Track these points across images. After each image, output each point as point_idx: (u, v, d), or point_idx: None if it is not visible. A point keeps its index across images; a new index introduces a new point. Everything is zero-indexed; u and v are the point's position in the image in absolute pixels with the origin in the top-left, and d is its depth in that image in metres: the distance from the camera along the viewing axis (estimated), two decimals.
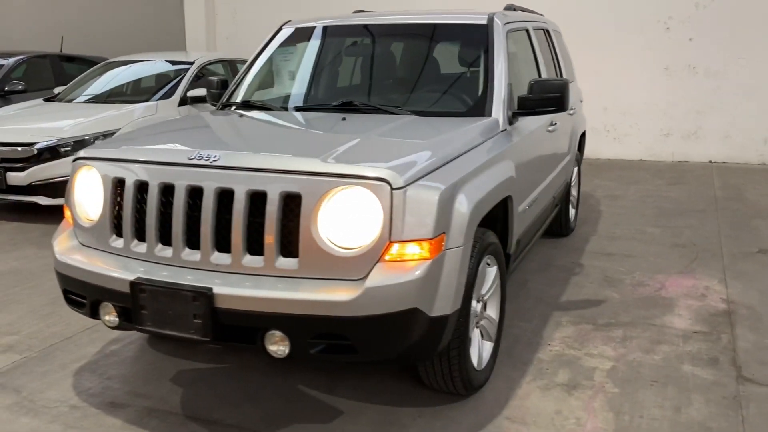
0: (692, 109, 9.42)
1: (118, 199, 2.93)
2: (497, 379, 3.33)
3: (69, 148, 6.22)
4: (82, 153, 3.10)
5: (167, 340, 3.75)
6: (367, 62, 4.06)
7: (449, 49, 3.97)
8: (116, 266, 2.83)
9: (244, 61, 8.77)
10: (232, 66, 8.47)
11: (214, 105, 4.39)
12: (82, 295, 2.98)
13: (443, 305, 2.64)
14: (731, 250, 5.40)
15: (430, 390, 3.20)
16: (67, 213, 3.17)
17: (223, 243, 2.71)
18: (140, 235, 2.88)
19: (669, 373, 3.41)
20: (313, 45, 4.30)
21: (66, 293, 3.06)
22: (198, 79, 7.64)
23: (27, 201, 6.35)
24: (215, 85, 4.35)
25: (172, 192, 2.78)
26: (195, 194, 2.73)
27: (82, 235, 3.07)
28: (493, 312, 3.27)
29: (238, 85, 4.25)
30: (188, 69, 7.74)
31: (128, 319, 2.84)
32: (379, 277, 2.50)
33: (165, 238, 2.82)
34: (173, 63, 8.05)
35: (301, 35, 4.34)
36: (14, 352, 3.73)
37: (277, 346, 2.60)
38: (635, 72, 9.53)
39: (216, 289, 2.57)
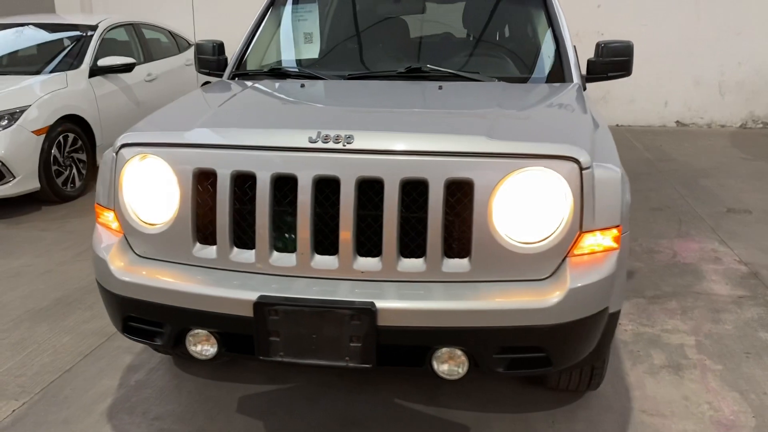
0: None
1: (206, 196, 2.27)
2: None
3: None
4: (131, 138, 2.38)
5: (194, 360, 3.10)
6: (416, 23, 3.56)
7: (506, 10, 3.57)
8: (220, 283, 2.20)
9: (151, 26, 7.74)
10: (137, 31, 7.41)
11: (207, 73, 3.69)
12: (158, 322, 2.31)
13: (618, 299, 2.32)
14: (704, 211, 5.55)
15: (533, 389, 2.89)
16: (108, 217, 2.45)
17: (366, 245, 2.18)
18: (240, 241, 2.26)
19: (753, 343, 3.36)
20: (341, 2, 3.70)
21: (128, 321, 2.36)
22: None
23: None
24: (210, 51, 3.65)
25: (288, 185, 2.19)
26: (324, 186, 2.17)
27: (141, 244, 2.37)
28: None
29: (245, 50, 3.57)
30: (91, 35, 6.63)
31: (235, 348, 2.24)
32: (578, 276, 2.11)
33: (282, 244, 2.23)
34: (67, 27, 6.88)
35: None
36: (6, 398, 2.90)
37: (450, 365, 2.14)
38: None
39: (380, 304, 2.05)
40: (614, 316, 2.31)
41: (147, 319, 2.32)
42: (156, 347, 2.37)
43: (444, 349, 2.11)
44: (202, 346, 2.27)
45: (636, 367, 3.12)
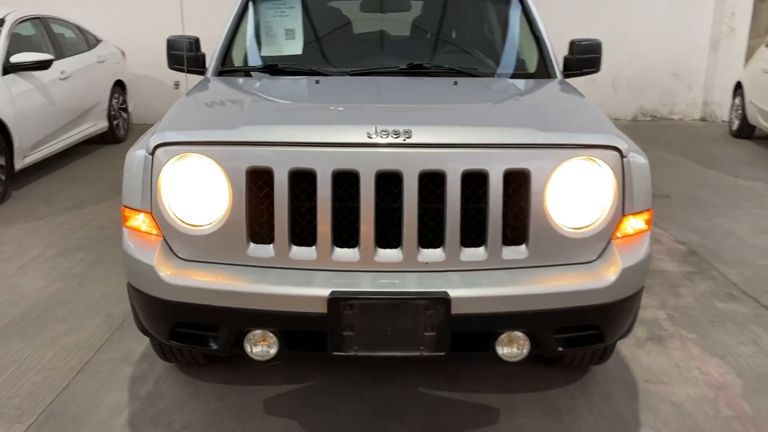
0: None
1: (260, 194, 2.22)
2: None
3: None
4: (169, 137, 2.28)
5: (196, 366, 3.02)
6: (398, 21, 3.60)
7: (490, 10, 3.70)
8: (283, 282, 2.17)
9: (59, 20, 7.25)
10: (46, 25, 6.91)
11: (182, 70, 3.56)
12: (213, 325, 2.24)
13: (645, 277, 2.52)
14: None
15: (543, 369, 3.06)
16: (140, 220, 2.33)
17: (428, 237, 2.23)
18: (299, 238, 2.24)
19: (714, 312, 3.72)
20: (320, 0, 3.69)
21: (178, 327, 2.27)
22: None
23: None
24: (186, 47, 3.53)
25: (349, 180, 2.20)
26: (385, 180, 2.20)
27: (186, 247, 2.28)
28: None
29: (228, 47, 3.49)
30: None
31: (298, 347, 2.22)
32: (626, 257, 2.28)
33: (343, 239, 2.23)
34: None
35: None
36: (7, 421, 2.68)
37: (513, 348, 2.24)
38: None
39: (453, 293, 2.12)
40: (641, 293, 2.50)
41: (201, 324, 2.24)
42: (210, 352, 2.28)
43: (508, 333, 2.21)
44: (262, 347, 2.23)
45: (625, 342, 3.37)
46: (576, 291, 2.21)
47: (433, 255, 2.23)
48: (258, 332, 2.20)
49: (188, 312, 2.22)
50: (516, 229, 2.27)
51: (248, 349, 2.23)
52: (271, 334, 2.20)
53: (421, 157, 2.18)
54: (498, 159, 2.20)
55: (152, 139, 2.30)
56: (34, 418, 2.70)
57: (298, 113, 2.65)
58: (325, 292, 2.11)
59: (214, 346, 2.26)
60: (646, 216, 2.39)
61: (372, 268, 2.22)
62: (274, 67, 3.29)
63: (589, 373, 3.07)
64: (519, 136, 2.25)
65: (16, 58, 5.93)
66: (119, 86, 8.27)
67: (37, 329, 3.45)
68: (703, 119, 10.50)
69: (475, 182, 2.21)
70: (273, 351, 2.23)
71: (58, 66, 6.62)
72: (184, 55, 3.52)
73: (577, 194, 2.27)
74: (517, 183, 2.23)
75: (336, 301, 2.09)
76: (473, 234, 2.24)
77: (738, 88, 8.88)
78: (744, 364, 3.17)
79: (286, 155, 2.19)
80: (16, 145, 5.81)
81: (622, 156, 2.29)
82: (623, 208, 2.31)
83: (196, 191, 2.26)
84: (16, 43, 6.22)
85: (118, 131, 8.20)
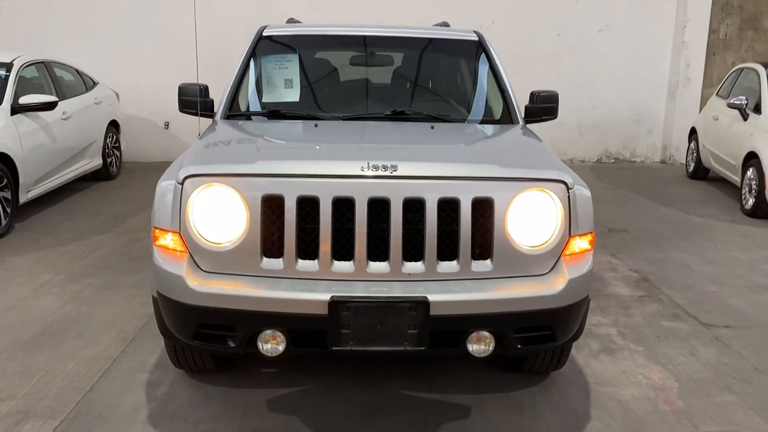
0: None
1: (272, 217, 2.69)
2: None
3: None
4: (197, 170, 2.75)
5: (204, 372, 3.43)
6: (382, 73, 4.15)
7: (450, 62, 4.27)
8: (291, 289, 2.63)
9: (60, 64, 7.73)
10: (49, 68, 7.38)
11: (194, 114, 4.04)
12: (231, 326, 2.68)
13: (588, 287, 3.01)
14: None
15: (509, 375, 3.51)
16: (168, 238, 2.77)
17: (410, 252, 2.71)
18: (304, 253, 2.70)
19: (659, 329, 4.22)
20: (313, 54, 4.22)
21: (201, 329, 2.70)
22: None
23: None
24: (196, 93, 4.02)
25: (345, 205, 2.68)
26: (375, 206, 2.68)
27: (208, 261, 2.73)
28: None
29: (234, 95, 3.99)
30: (6, 73, 6.57)
31: (302, 344, 2.67)
32: (572, 270, 2.78)
33: (340, 254, 2.70)
34: None
35: (290, 42, 4.22)
36: (42, 418, 3.06)
37: (480, 345, 2.71)
38: None
39: (431, 297, 2.59)
40: (588, 302, 3.00)
41: (221, 325, 2.68)
42: (227, 350, 2.71)
43: (476, 332, 2.68)
44: (271, 344, 2.67)
45: (580, 353, 3.84)
46: (531, 297, 2.69)
47: (414, 267, 2.71)
48: (269, 331, 2.64)
49: (211, 315, 2.66)
50: (482, 247, 2.76)
51: (260, 346, 2.67)
52: (280, 333, 2.65)
53: (404, 186, 2.68)
54: (467, 189, 2.71)
55: (181, 171, 2.76)
56: (65, 415, 3.08)
57: (303, 151, 3.15)
58: (326, 296, 2.57)
59: (232, 345, 2.69)
60: (589, 237, 2.90)
61: (364, 278, 2.69)
62: (276, 113, 3.79)
63: (548, 378, 3.53)
64: (484, 171, 2.77)
65: (24, 100, 6.37)
66: (113, 126, 8.71)
67: (57, 343, 3.83)
68: (662, 162, 11.20)
69: (448, 208, 2.71)
70: (281, 348, 2.67)
71: (60, 107, 7.06)
72: (193, 100, 4.01)
73: (532, 219, 2.78)
74: (483, 209, 2.73)
75: (335, 303, 2.55)
76: (447, 250, 2.73)
77: (693, 133, 9.60)
78: (681, 371, 3.66)
79: (294, 185, 2.68)
80: (22, 180, 6.22)
81: (568, 188, 2.80)
82: (570, 230, 2.82)
83: (218, 215, 2.72)
84: (22, 85, 6.68)
85: (111, 169, 8.61)
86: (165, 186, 2.83)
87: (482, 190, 2.72)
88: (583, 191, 2.89)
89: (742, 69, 8.86)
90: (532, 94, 4.11)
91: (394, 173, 2.69)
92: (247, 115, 3.90)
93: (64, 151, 7.15)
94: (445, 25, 5.13)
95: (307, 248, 2.71)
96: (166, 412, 3.13)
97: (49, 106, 6.59)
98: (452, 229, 2.72)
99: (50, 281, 4.85)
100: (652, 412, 3.23)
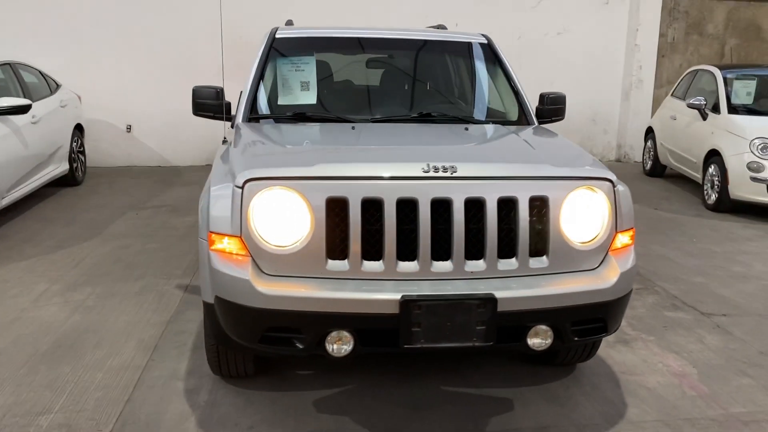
0: None
1: (336, 219, 2.71)
2: None
3: None
4: (257, 173, 2.73)
5: (240, 378, 3.42)
6: (399, 75, 4.20)
7: (465, 64, 4.36)
8: (360, 289, 2.66)
9: (25, 66, 7.43)
10: (15, 71, 7.09)
11: (208, 117, 4.00)
12: (299, 328, 2.68)
13: (633, 281, 3.14)
14: None
15: (541, 368, 3.63)
16: (224, 242, 2.75)
17: (472, 251, 2.78)
18: (368, 254, 2.73)
19: (664, 319, 4.43)
20: (330, 56, 4.23)
21: (268, 332, 2.70)
22: None
23: None
24: (213, 96, 3.98)
25: (408, 206, 2.72)
26: (437, 206, 2.74)
27: (272, 264, 2.72)
28: None
29: (253, 97, 3.96)
30: None
31: (370, 343, 2.70)
32: (621, 264, 2.91)
33: (404, 254, 2.74)
34: None
35: (305, 44, 4.22)
36: (87, 430, 2.98)
37: (539, 339, 2.80)
38: None
39: (497, 294, 2.66)
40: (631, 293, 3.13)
41: (289, 327, 2.68)
42: (293, 352, 2.71)
43: (536, 326, 2.77)
44: (339, 345, 2.69)
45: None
46: (588, 291, 2.80)
47: (476, 265, 2.77)
48: (337, 332, 2.66)
49: (280, 317, 2.65)
50: (538, 244, 2.85)
51: (328, 347, 2.68)
52: (347, 334, 2.67)
53: (465, 187, 2.75)
54: (524, 188, 2.79)
55: (240, 175, 2.74)
56: (111, 427, 3.01)
57: (361, 153, 3.18)
58: (397, 296, 2.61)
59: (300, 346, 2.70)
60: (630, 233, 3.04)
61: (429, 277, 2.74)
62: (302, 115, 3.79)
63: (576, 369, 3.67)
64: (539, 170, 2.87)
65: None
66: (78, 130, 8.44)
67: (77, 354, 3.72)
68: (618, 160, 11.65)
69: (506, 206, 2.79)
70: (348, 348, 2.69)
71: (30, 110, 6.79)
72: (209, 103, 3.96)
73: (583, 216, 2.89)
74: (539, 207, 2.83)
75: (407, 302, 2.60)
76: (506, 248, 2.81)
77: (649, 132, 10.03)
78: (695, 358, 3.86)
79: (359, 187, 2.70)
80: None
81: (614, 185, 2.93)
82: (616, 225, 2.95)
83: (281, 218, 2.72)
84: None
85: (77, 174, 8.33)
86: (220, 191, 2.81)
87: (538, 189, 2.81)
88: (623, 188, 3.03)
89: (696, 71, 9.31)
90: (542, 96, 4.25)
91: (454, 174, 2.75)
92: (271, 118, 3.87)
93: (35, 156, 6.89)
94: (442, 27, 5.22)
95: (371, 249, 2.73)
96: (214, 419, 3.09)
97: (24, 110, 6.34)
98: (510, 227, 2.80)
99: (48, 291, 4.68)
100: (681, 397, 3.41)
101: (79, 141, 8.48)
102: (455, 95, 4.26)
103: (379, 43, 4.27)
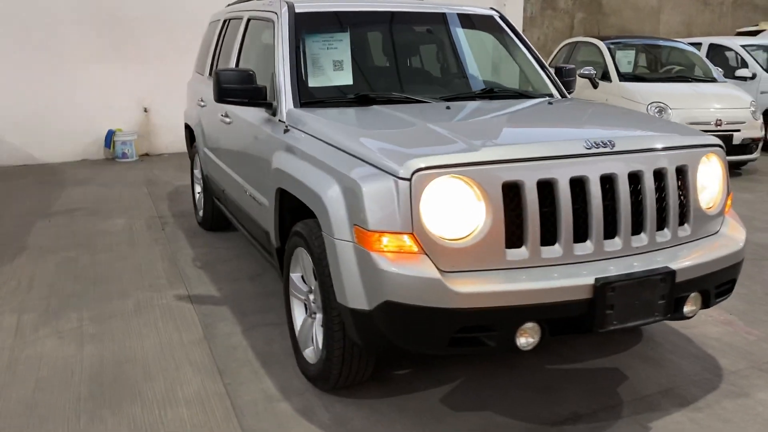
0: None
1: (512, 205, 2.53)
2: None
3: None
4: (425, 162, 2.46)
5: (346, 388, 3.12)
6: (445, 50, 3.98)
7: (494, 38, 4.25)
8: (549, 277, 2.52)
9: None
10: None
11: (236, 103, 3.54)
12: (490, 326, 2.48)
13: None
14: None
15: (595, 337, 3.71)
16: (402, 241, 2.46)
17: (633, 226, 2.74)
18: (544, 239, 2.59)
19: None
20: (362, 32, 3.89)
21: (460, 333, 2.46)
22: None
23: None
24: (246, 80, 3.51)
25: (578, 185, 2.62)
26: (602, 183, 2.67)
27: (447, 260, 2.48)
28: None
29: (299, 80, 3.55)
30: None
31: (557, 332, 2.58)
32: (738, 226, 3.07)
33: (576, 235, 2.64)
34: None
35: (332, 19, 3.85)
36: None
37: (692, 306, 2.83)
38: None
39: (673, 266, 2.67)
40: None
41: (482, 326, 2.47)
42: (483, 351, 2.50)
43: (693, 294, 2.82)
44: (526, 338, 2.54)
45: None
46: (730, 254, 2.91)
47: (639, 240, 2.75)
48: (526, 325, 2.51)
49: (475, 317, 2.44)
50: (682, 213, 2.89)
51: (518, 341, 2.53)
52: (536, 325, 2.53)
53: (627, 161, 2.70)
54: (670, 159, 2.82)
55: (407, 165, 2.45)
56: None
57: (516, 133, 3.06)
58: (590, 280, 2.52)
59: (492, 344, 2.50)
60: (731, 196, 3.20)
61: (601, 257, 2.67)
62: (365, 97, 3.48)
63: (644, 334, 3.80)
64: (679, 140, 2.90)
65: None
66: None
67: (132, 392, 3.14)
68: None
69: (657, 179, 2.79)
70: (535, 339, 2.55)
71: None
72: (239, 88, 3.50)
73: (708, 181, 2.99)
74: (681, 176, 2.87)
75: (602, 286, 2.51)
76: (659, 220, 2.82)
77: None
78: (725, 306, 4.18)
79: (533, 169, 2.55)
80: None
81: (724, 151, 3.06)
82: (726, 190, 3.08)
83: (454, 209, 2.49)
84: None
85: None
86: (377, 184, 2.49)
87: (681, 158, 2.86)
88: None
89: (576, 43, 9.99)
90: (558, 69, 4.29)
91: (614, 149, 2.70)
92: (330, 102, 3.51)
93: None
94: None
95: (546, 233, 2.60)
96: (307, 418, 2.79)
97: None
98: (661, 197, 2.81)
99: (23, 324, 3.89)
100: (746, 342, 3.68)
101: None
102: (499, 70, 4.17)
103: (410, 18, 4.02)
